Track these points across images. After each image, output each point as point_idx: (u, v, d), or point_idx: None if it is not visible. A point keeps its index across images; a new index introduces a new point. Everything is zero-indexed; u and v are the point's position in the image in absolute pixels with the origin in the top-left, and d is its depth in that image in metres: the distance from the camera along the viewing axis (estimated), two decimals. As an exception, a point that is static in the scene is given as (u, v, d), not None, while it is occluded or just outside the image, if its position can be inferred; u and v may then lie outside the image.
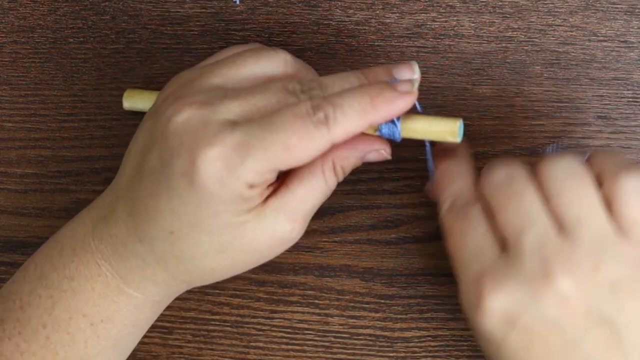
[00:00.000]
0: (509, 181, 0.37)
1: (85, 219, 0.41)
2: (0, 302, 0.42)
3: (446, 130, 0.38)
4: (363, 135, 0.39)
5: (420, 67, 0.46)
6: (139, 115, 0.48)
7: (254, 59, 0.40)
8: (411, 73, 0.40)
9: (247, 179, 0.36)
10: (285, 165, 0.36)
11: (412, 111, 0.39)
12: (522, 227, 0.36)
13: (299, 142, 0.35)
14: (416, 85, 0.38)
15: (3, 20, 0.49)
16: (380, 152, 0.40)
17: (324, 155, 0.38)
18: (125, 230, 0.39)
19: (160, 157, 0.37)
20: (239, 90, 0.38)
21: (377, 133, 0.39)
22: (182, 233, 0.37)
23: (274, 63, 0.40)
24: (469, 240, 0.37)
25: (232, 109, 0.37)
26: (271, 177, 0.37)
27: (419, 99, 0.39)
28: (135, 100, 0.46)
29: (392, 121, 0.39)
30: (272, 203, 0.38)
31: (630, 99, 0.44)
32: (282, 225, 0.38)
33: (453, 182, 0.40)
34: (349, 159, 0.39)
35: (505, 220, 0.37)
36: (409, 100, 0.37)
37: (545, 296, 0.35)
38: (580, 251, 0.35)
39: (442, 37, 0.46)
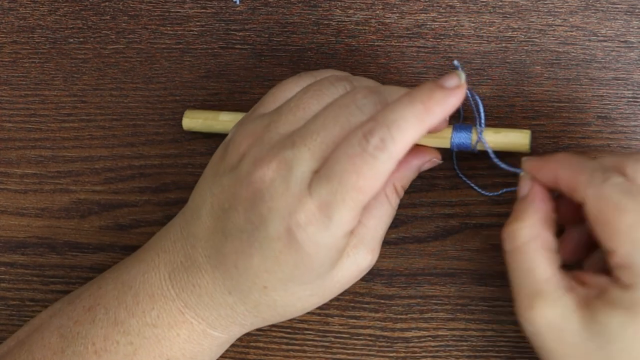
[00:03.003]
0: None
1: (157, 263, 0.41)
2: (64, 344, 0.41)
3: (517, 142, 0.41)
4: (416, 148, 0.40)
5: (420, 67, 0.46)
6: (140, 115, 0.48)
7: (316, 99, 0.39)
8: (457, 80, 0.38)
9: (341, 232, 0.36)
10: (366, 201, 0.36)
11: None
12: None
13: (366, 180, 0.35)
14: (463, 77, 0.37)
15: (3, 21, 0.49)
16: (433, 160, 0.41)
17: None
18: (211, 282, 0.39)
19: (249, 221, 0.37)
20: (303, 133, 0.37)
21: (451, 149, 0.41)
22: (276, 287, 0.38)
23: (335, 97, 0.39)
24: None
25: (305, 159, 0.37)
26: (360, 214, 0.37)
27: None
28: (195, 122, 0.46)
29: (464, 134, 0.40)
30: (350, 241, 0.39)
31: (630, 99, 0.44)
32: (363, 257, 0.39)
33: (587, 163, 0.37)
34: (408, 177, 0.41)
35: None
36: (460, 94, 0.36)
37: None
38: None
39: (442, 37, 0.45)
